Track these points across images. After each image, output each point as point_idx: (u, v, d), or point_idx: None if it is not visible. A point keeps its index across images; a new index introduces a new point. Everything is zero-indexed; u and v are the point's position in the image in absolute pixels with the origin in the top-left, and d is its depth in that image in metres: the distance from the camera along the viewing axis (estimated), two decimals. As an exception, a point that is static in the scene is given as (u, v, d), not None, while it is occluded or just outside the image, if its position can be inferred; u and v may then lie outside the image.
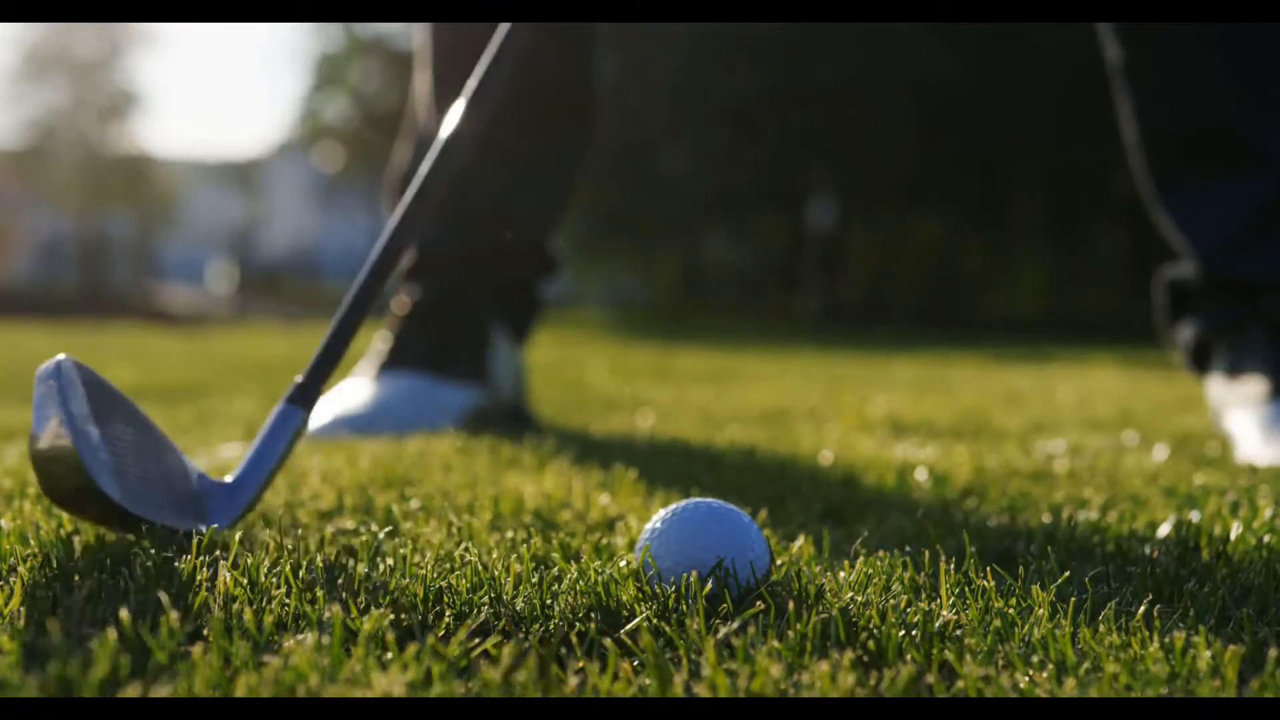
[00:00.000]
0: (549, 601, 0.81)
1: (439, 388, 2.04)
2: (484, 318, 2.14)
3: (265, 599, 0.81)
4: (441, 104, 2.16)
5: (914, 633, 0.75)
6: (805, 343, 9.35)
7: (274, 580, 0.84)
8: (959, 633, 0.76)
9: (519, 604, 0.81)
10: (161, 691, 0.63)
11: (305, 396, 1.12)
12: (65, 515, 1.07)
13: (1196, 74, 1.90)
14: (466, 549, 0.94)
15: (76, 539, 0.95)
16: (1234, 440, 1.79)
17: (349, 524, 1.09)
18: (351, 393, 2.04)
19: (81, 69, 26.28)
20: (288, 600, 0.80)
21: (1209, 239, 1.93)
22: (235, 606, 0.78)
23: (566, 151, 2.25)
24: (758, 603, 0.81)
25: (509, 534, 1.03)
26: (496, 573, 0.86)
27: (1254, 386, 1.81)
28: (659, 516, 0.88)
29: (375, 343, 2.19)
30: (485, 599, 0.82)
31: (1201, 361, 2.02)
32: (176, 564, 0.85)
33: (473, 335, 2.13)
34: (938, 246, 19.50)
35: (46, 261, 30.19)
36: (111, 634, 0.68)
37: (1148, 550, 1.02)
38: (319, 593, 0.82)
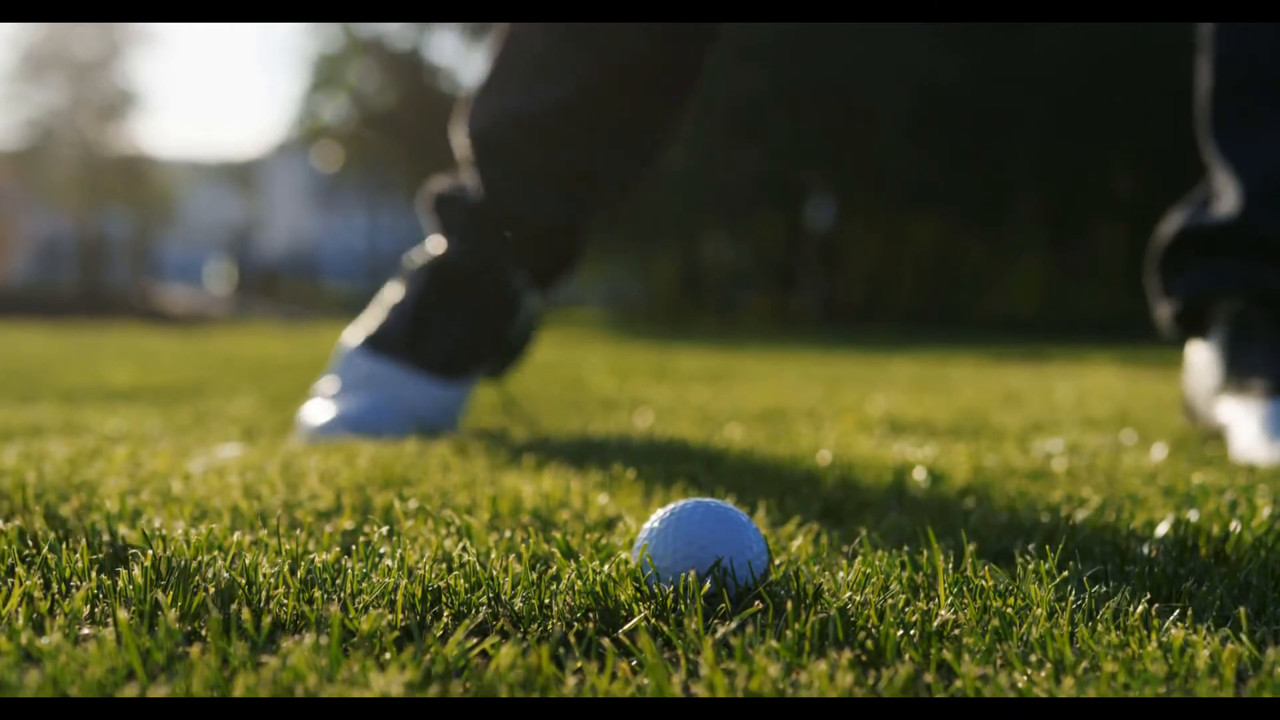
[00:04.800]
0: (547, 601, 0.81)
1: (433, 387, 2.04)
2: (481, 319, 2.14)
3: (263, 599, 0.81)
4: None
5: (912, 632, 0.75)
6: (804, 342, 9.34)
7: (272, 580, 0.84)
8: (957, 632, 0.76)
9: (517, 604, 0.81)
10: (159, 692, 0.63)
11: None
12: (64, 514, 1.07)
13: None
14: (464, 549, 0.94)
15: (75, 539, 0.95)
16: (1229, 431, 1.75)
17: (347, 524, 1.09)
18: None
19: (80, 69, 26.26)
20: (286, 600, 0.80)
21: (1261, 180, 1.76)
22: (233, 606, 0.78)
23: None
24: (756, 602, 0.81)
25: (507, 534, 1.03)
26: (495, 572, 0.86)
27: (1252, 379, 1.75)
28: (657, 516, 0.88)
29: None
30: (483, 599, 0.82)
31: (1190, 323, 1.92)
32: (174, 563, 0.85)
33: (469, 336, 2.12)
34: (936, 246, 19.49)
35: (45, 262, 30.21)
36: (109, 634, 0.68)
37: (1146, 549, 1.02)
38: (317, 593, 0.82)
